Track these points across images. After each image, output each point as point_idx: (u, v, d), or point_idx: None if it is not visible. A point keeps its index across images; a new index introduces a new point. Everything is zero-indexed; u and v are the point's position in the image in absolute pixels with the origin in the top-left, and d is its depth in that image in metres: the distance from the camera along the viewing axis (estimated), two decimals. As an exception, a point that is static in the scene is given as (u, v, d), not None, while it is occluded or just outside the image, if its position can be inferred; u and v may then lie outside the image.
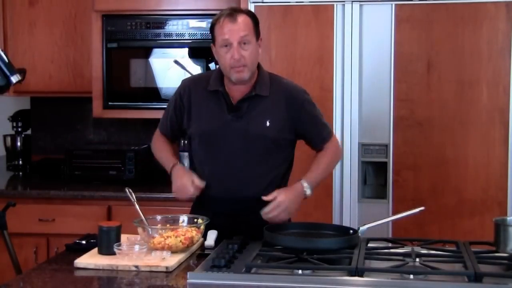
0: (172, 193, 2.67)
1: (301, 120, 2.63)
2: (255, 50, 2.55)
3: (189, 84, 2.71)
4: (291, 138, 2.65)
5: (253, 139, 2.57)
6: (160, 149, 2.79)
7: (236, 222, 2.58)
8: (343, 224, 3.33)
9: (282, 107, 2.60)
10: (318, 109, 2.70)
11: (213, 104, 2.61)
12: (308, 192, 2.57)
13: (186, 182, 2.56)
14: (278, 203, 2.49)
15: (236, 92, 2.60)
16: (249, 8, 3.39)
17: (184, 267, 2.22)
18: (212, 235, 2.48)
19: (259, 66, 2.65)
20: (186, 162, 2.90)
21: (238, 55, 2.49)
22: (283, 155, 2.66)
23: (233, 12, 2.53)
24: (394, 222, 3.16)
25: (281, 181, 2.66)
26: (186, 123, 2.68)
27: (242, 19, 2.52)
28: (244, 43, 2.50)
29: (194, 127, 2.65)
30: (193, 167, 2.71)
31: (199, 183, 2.57)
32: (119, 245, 2.27)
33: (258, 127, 2.57)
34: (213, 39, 2.58)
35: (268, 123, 2.57)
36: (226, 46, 2.50)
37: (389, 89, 3.39)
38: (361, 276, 2.04)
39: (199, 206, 2.69)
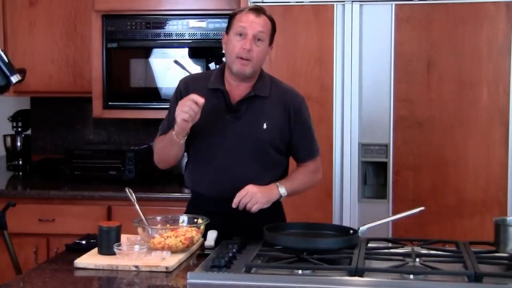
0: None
1: (295, 127, 2.63)
2: (265, 50, 2.58)
3: (188, 81, 2.70)
4: (286, 142, 2.65)
5: (250, 140, 2.58)
6: (160, 140, 2.66)
7: (230, 221, 2.57)
8: (343, 224, 3.33)
9: (280, 110, 2.61)
10: (312, 121, 2.71)
11: (212, 102, 2.59)
12: (282, 190, 2.56)
13: (187, 97, 2.43)
14: (246, 189, 2.48)
15: (236, 91, 2.60)
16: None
17: (184, 267, 2.22)
18: (212, 235, 2.48)
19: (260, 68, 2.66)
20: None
21: (250, 46, 2.51)
22: (278, 158, 2.65)
23: (259, 9, 2.57)
24: (394, 222, 3.16)
25: None
26: None
27: (264, 17, 2.57)
28: (259, 39, 2.53)
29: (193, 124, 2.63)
30: (188, 166, 2.70)
31: (198, 97, 2.41)
32: (119, 245, 2.27)
33: (255, 129, 2.58)
34: (228, 28, 2.59)
35: (265, 126, 2.58)
36: (240, 35, 2.52)
37: (389, 89, 3.39)
38: (361, 276, 2.03)
39: (193, 205, 2.70)
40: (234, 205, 2.48)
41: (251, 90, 2.59)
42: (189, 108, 2.40)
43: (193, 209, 2.67)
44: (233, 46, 2.54)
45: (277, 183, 2.58)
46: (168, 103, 2.71)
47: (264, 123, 2.58)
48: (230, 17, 2.60)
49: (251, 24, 2.52)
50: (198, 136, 2.61)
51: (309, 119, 2.70)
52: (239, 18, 2.55)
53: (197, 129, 2.59)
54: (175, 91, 2.71)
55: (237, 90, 2.60)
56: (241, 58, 2.52)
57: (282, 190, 2.57)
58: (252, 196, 2.48)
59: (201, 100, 2.40)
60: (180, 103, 2.43)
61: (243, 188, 2.49)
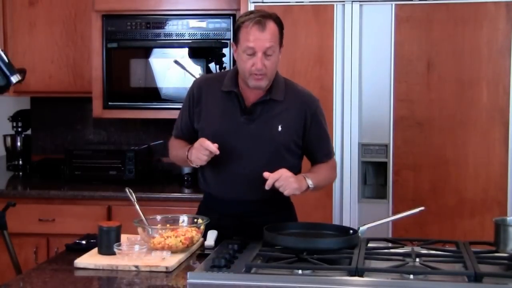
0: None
1: (312, 129, 2.63)
2: (277, 59, 2.53)
3: (202, 83, 2.68)
4: (300, 146, 2.64)
5: (265, 143, 2.56)
6: (175, 148, 2.73)
7: (242, 223, 2.57)
8: (343, 224, 3.33)
9: (295, 113, 2.59)
10: (326, 122, 2.70)
11: (226, 105, 2.58)
12: (310, 182, 2.53)
13: (202, 144, 2.48)
14: (280, 172, 2.45)
15: (251, 94, 2.58)
16: (250, 8, 3.40)
17: (184, 267, 2.22)
18: (212, 235, 2.48)
19: None
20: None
21: (261, 65, 2.46)
22: (292, 160, 2.63)
23: (262, 18, 2.45)
24: (394, 222, 3.16)
25: None
26: (197, 121, 2.64)
27: (270, 27, 2.46)
28: (268, 54, 2.47)
29: (205, 126, 2.62)
30: (202, 167, 2.66)
31: (212, 145, 2.47)
32: (119, 245, 2.27)
33: (270, 131, 2.56)
34: (235, 40, 2.53)
35: (280, 128, 2.57)
36: (249, 53, 2.46)
37: (389, 89, 3.39)
38: (361, 276, 2.04)
39: (206, 207, 2.70)
40: (267, 187, 2.44)
41: (266, 94, 2.57)
42: (207, 157, 2.47)
43: (205, 210, 2.66)
44: (244, 63, 2.49)
45: (303, 175, 2.56)
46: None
47: (279, 125, 2.57)
48: (236, 28, 2.53)
49: (258, 42, 2.44)
50: (212, 137, 2.57)
51: (324, 120, 2.69)
52: (244, 35, 2.47)
53: (211, 131, 2.59)
54: (188, 92, 2.69)
55: (251, 93, 2.58)
56: (255, 74, 2.48)
57: (310, 182, 2.53)
58: (286, 180, 2.44)
59: (215, 150, 2.44)
60: (196, 150, 2.48)
61: (276, 171, 2.45)
